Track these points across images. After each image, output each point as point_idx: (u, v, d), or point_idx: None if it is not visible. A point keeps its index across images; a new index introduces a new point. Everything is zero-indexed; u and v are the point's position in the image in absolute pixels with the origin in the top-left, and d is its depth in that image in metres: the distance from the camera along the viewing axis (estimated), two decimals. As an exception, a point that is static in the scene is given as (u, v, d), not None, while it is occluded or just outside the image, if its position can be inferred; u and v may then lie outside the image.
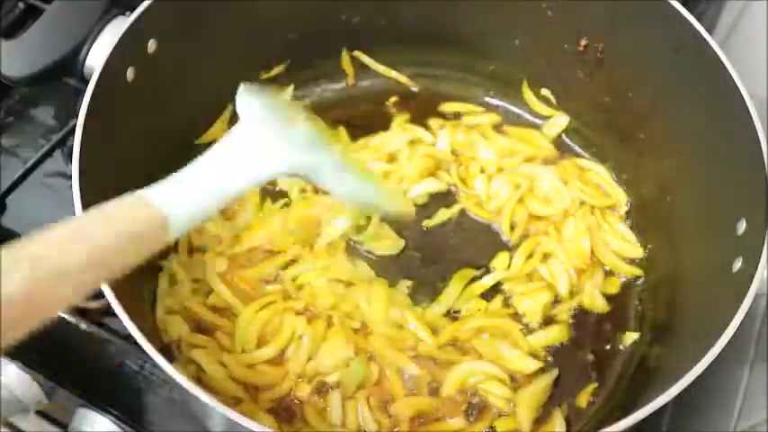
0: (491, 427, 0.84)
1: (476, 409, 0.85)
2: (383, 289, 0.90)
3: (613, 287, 0.95)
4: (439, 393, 0.85)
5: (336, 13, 1.03)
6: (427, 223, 0.98)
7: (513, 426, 0.84)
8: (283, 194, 0.98)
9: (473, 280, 0.93)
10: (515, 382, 0.86)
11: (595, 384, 0.87)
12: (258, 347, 0.86)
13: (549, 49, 1.01)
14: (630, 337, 0.91)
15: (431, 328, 0.88)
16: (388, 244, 0.96)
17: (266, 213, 0.96)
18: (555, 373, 0.87)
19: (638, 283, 0.95)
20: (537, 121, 1.08)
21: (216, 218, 0.95)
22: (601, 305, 0.93)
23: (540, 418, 0.85)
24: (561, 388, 0.87)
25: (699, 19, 0.85)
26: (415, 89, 1.10)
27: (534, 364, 0.87)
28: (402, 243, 0.96)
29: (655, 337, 0.89)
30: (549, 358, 0.88)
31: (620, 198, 1.01)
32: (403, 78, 1.10)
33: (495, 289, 0.93)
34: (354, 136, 1.05)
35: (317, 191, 0.98)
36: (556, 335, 0.90)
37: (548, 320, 0.91)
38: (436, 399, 0.85)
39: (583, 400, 0.86)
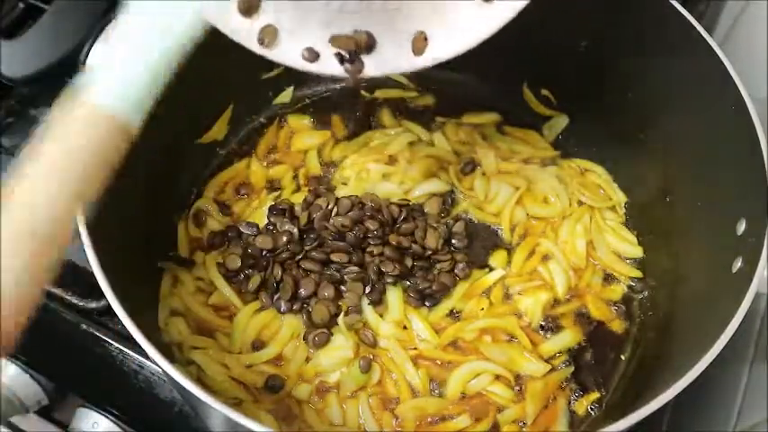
0: (495, 422, 0.84)
1: (479, 407, 0.85)
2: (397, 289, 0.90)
3: (615, 294, 0.94)
4: (443, 394, 0.85)
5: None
6: (428, 223, 0.99)
7: (517, 416, 0.84)
8: (277, 187, 1.00)
9: (474, 279, 0.93)
10: (519, 381, 0.87)
11: (597, 394, 0.87)
12: (257, 349, 0.86)
13: (549, 49, 1.01)
14: (631, 338, 0.91)
15: (433, 328, 0.88)
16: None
17: (261, 204, 0.97)
18: (570, 369, 0.87)
19: (639, 285, 0.95)
20: (537, 121, 1.08)
21: (214, 213, 0.96)
22: (603, 310, 0.93)
23: (543, 416, 0.85)
24: (564, 387, 0.87)
25: (699, 19, 0.85)
26: (415, 89, 1.10)
27: (543, 367, 0.87)
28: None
29: (655, 337, 0.89)
30: (561, 360, 0.89)
31: (620, 199, 1.01)
32: (403, 79, 1.10)
33: (495, 288, 0.93)
34: (354, 136, 1.05)
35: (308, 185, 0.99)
36: (568, 340, 0.90)
37: (556, 325, 0.91)
38: (441, 399, 0.85)
39: (582, 406, 0.86)
